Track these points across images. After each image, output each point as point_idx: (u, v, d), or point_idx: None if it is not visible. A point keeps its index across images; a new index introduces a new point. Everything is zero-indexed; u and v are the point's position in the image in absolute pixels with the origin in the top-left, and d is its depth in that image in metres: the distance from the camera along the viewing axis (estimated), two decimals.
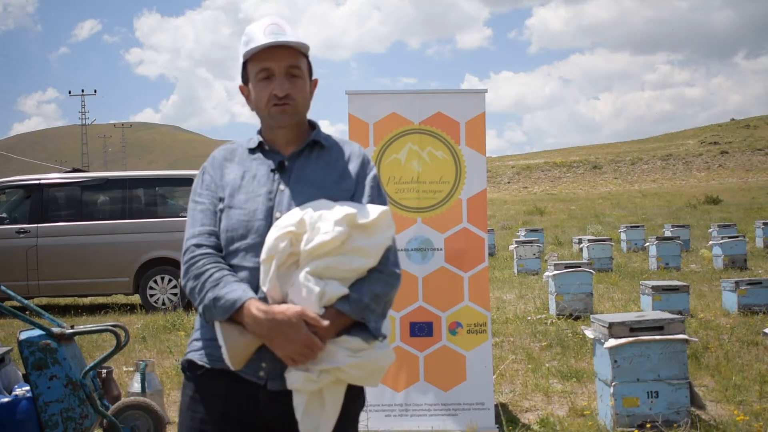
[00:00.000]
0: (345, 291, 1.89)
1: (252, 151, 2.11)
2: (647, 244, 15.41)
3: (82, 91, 75.13)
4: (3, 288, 4.20)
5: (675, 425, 4.41)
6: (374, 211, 1.96)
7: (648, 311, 7.14)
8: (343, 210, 1.92)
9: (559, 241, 20.34)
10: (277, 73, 2.02)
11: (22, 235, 10.29)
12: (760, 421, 4.58)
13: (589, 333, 4.94)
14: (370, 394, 4.60)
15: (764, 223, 17.68)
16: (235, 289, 1.87)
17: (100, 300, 11.51)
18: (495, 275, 13.62)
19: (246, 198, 2.01)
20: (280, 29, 2.02)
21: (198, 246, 1.97)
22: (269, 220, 1.97)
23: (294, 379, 1.86)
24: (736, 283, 8.90)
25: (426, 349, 4.70)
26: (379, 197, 2.07)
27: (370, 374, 1.92)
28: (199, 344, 2.00)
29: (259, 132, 2.13)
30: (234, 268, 1.95)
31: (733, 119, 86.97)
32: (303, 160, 2.08)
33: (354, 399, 2.00)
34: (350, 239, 1.90)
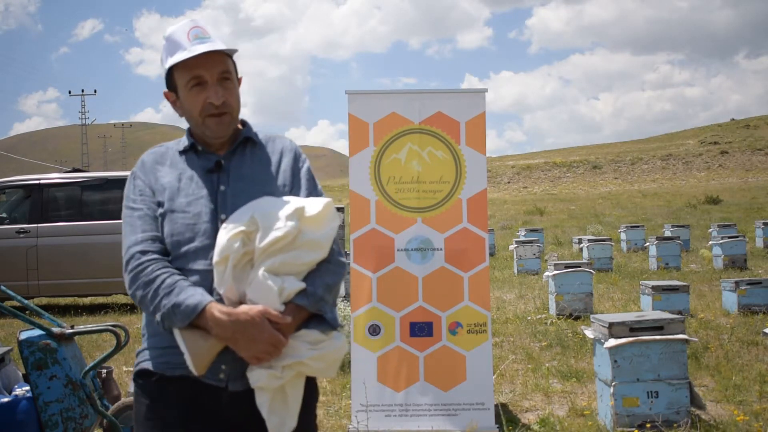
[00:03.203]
0: (302, 285, 1.90)
1: (183, 152, 2.08)
2: (647, 244, 15.41)
3: (82, 91, 75.23)
4: (3, 288, 4.20)
5: (675, 425, 4.41)
6: (319, 203, 1.98)
7: (648, 311, 7.14)
8: (292, 205, 1.94)
9: (559, 241, 20.34)
10: (210, 81, 1.99)
11: (22, 235, 10.29)
12: (760, 421, 4.58)
13: (589, 333, 4.94)
14: (371, 394, 4.60)
15: (764, 223, 17.68)
16: (193, 294, 1.85)
17: (100, 300, 11.51)
18: (495, 275, 13.62)
19: (187, 201, 1.99)
20: (203, 33, 1.99)
21: (143, 252, 1.93)
22: (215, 222, 1.96)
23: (258, 377, 1.87)
24: (736, 283, 8.90)
25: (426, 349, 4.70)
26: (315, 189, 2.08)
27: (330, 365, 1.94)
28: (153, 352, 1.98)
29: (189, 132, 2.10)
30: (183, 273, 1.93)
31: (733, 119, 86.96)
32: (238, 158, 2.07)
33: (311, 393, 2.02)
34: (301, 233, 1.91)
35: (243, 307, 1.85)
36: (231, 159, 2.06)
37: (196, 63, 1.97)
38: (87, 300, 11.64)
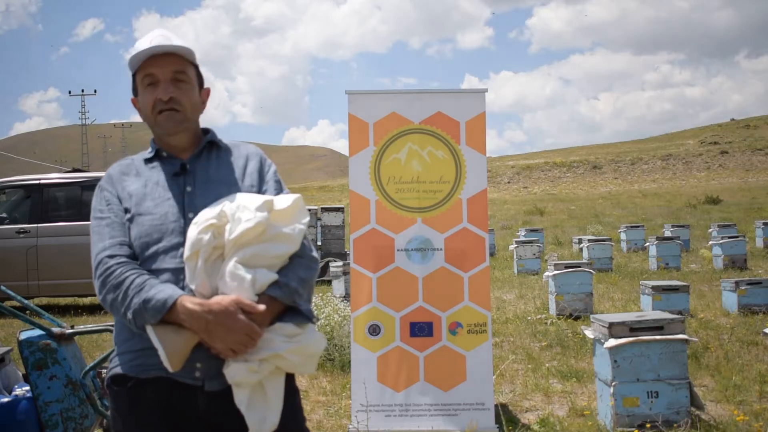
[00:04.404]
0: (275, 277, 1.91)
1: (148, 160, 2.10)
2: (647, 244, 15.41)
3: (82, 91, 75.10)
4: (3, 288, 4.19)
5: (675, 425, 4.41)
6: (288, 198, 2.00)
7: (648, 311, 7.14)
8: (261, 197, 1.97)
9: (559, 241, 20.34)
10: (162, 79, 2.02)
11: (22, 235, 10.29)
12: (760, 421, 4.58)
13: (589, 333, 4.94)
14: (371, 394, 4.60)
15: (764, 223, 17.69)
16: (163, 289, 1.86)
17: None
18: (495, 275, 13.63)
19: (155, 204, 2.01)
20: (166, 39, 2.03)
21: (111, 257, 1.94)
22: (182, 221, 1.97)
23: (235, 372, 1.86)
24: (736, 283, 8.90)
25: (426, 349, 4.70)
26: (282, 192, 2.11)
27: (307, 360, 1.94)
28: (127, 357, 1.97)
29: (153, 141, 2.13)
30: (154, 273, 1.93)
31: (733, 119, 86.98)
32: (204, 161, 2.09)
33: (292, 393, 2.02)
34: (270, 226, 1.93)
35: (215, 298, 1.85)
36: (196, 162, 2.08)
37: (151, 63, 2.02)
38: (87, 300, 11.64)
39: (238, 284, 1.86)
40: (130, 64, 2.05)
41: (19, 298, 4.28)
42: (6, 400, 3.89)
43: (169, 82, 2.02)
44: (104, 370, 4.47)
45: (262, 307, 1.85)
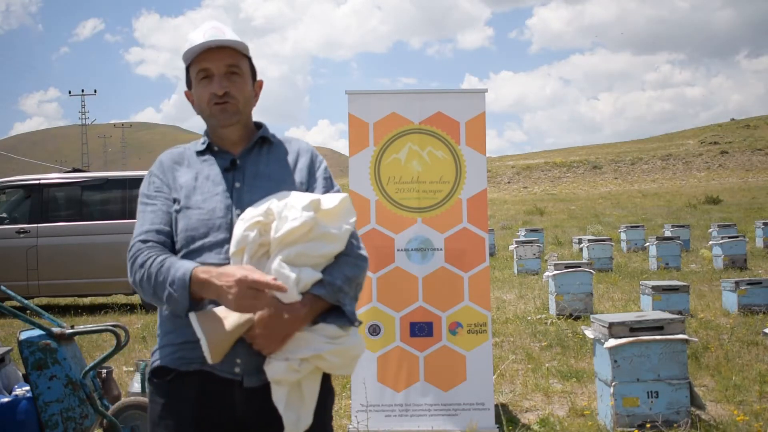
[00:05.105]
0: (319, 276, 1.91)
1: (201, 153, 2.12)
2: (647, 244, 15.41)
3: (82, 91, 75.14)
4: (3, 288, 4.20)
5: (675, 425, 4.41)
6: (335, 198, 2.00)
7: (648, 311, 7.14)
8: (308, 196, 1.96)
9: (559, 241, 20.34)
10: (216, 73, 2.03)
11: (22, 235, 10.30)
12: (760, 421, 4.58)
13: (589, 333, 4.94)
14: (371, 394, 4.60)
15: (764, 223, 17.68)
16: (182, 265, 1.87)
17: (100, 300, 11.51)
18: (495, 275, 13.62)
19: (203, 198, 2.02)
20: (219, 32, 2.03)
21: (144, 242, 1.98)
22: (229, 217, 1.98)
23: (275, 370, 1.86)
24: (736, 283, 8.91)
25: (426, 349, 4.70)
26: (332, 189, 2.11)
27: (348, 362, 1.94)
28: (168, 349, 1.99)
29: (206, 134, 2.14)
30: None
31: (733, 119, 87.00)
32: (254, 157, 2.10)
33: (327, 392, 2.02)
34: (317, 225, 1.93)
35: (227, 267, 1.85)
36: (247, 158, 2.09)
37: (205, 57, 2.03)
38: (87, 300, 11.64)
39: (283, 282, 1.86)
40: (184, 57, 2.06)
41: (19, 298, 4.28)
42: (6, 400, 3.89)
43: (223, 76, 2.03)
44: (104, 370, 4.49)
45: (270, 278, 1.82)
